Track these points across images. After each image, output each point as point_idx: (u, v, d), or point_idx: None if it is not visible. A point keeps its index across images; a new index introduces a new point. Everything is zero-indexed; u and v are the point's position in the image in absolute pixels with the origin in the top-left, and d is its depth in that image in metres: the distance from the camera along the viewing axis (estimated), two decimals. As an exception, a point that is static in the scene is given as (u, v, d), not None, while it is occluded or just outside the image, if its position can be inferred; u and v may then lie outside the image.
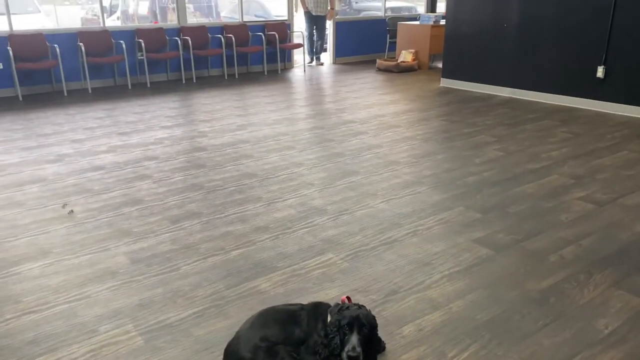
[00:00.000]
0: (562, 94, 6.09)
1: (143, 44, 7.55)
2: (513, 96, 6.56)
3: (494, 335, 2.03)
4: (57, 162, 4.17)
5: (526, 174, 3.77)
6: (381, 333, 2.02)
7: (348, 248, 2.70)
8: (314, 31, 9.35)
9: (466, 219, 3.05)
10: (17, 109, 6.17)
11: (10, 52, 6.64)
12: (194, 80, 8.03)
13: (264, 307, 2.19)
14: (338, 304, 1.81)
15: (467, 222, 3.01)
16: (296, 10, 9.35)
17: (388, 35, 9.92)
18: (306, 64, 9.47)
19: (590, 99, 5.85)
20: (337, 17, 9.77)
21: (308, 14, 9.18)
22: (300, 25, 9.70)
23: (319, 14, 9.12)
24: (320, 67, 9.49)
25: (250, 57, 8.87)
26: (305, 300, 1.90)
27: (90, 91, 7.23)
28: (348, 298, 1.86)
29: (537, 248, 2.70)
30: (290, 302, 2.14)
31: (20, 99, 6.74)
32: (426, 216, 3.09)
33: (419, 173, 3.82)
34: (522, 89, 6.48)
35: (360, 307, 1.77)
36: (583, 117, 5.47)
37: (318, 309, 1.80)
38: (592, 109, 5.82)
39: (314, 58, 9.73)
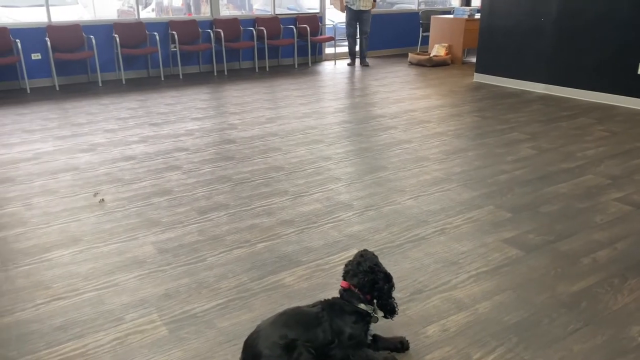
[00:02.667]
0: (600, 90, 5.89)
1: (176, 36, 7.64)
2: (548, 92, 6.39)
3: (521, 338, 1.97)
4: (90, 152, 4.26)
5: (560, 173, 3.67)
6: (405, 332, 1.99)
7: (373, 244, 2.67)
8: (357, 28, 8.51)
9: (496, 218, 2.98)
10: (54, 99, 6.32)
11: (48, 43, 6.81)
12: (226, 73, 8.09)
13: (288, 300, 2.20)
14: (346, 290, 1.83)
15: (496, 221, 2.94)
16: (342, 10, 8.47)
17: (421, 29, 9.79)
18: (346, 65, 8.85)
19: (629, 96, 5.65)
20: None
21: (349, 10, 8.36)
22: (331, 18, 9.64)
23: (360, 8, 8.26)
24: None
25: (281, 50, 8.88)
26: (329, 295, 1.89)
27: (124, 82, 7.36)
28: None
29: (569, 250, 2.62)
30: (314, 300, 2.14)
31: (57, 88, 6.91)
32: (455, 214, 3.03)
33: (449, 170, 3.75)
34: (557, 85, 6.30)
35: (359, 261, 1.84)
36: (621, 115, 5.28)
37: (336, 305, 1.79)
38: (632, 106, 5.62)
39: (357, 59, 8.91)
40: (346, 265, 1.90)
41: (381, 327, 1.97)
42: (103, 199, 3.29)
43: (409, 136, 4.61)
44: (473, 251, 2.61)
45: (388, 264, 2.47)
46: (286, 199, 3.27)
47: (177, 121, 5.21)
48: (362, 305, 1.80)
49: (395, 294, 2.24)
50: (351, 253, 2.59)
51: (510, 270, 2.44)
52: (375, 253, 1.92)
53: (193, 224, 2.95)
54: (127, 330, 2.04)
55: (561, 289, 2.29)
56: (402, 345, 1.89)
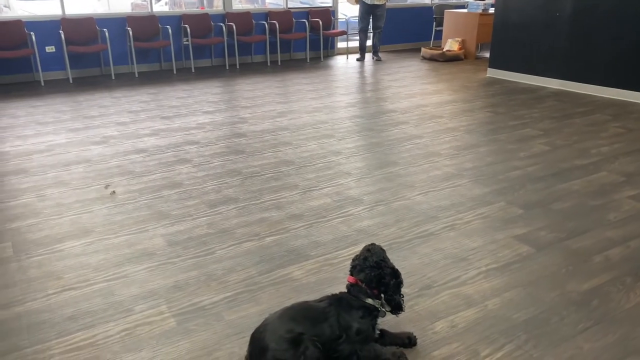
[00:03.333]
0: (616, 86, 5.81)
1: (189, 30, 7.65)
2: (563, 88, 6.31)
3: (530, 336, 1.96)
4: (102, 144, 4.29)
5: (573, 170, 3.62)
6: (413, 328, 1.99)
7: (382, 239, 2.66)
8: (370, 23, 8.39)
9: (507, 214, 2.95)
10: (67, 91, 6.37)
11: (62, 36, 6.85)
12: (237, 67, 8.10)
13: (296, 294, 2.20)
14: (353, 285, 1.83)
15: (508, 217, 2.91)
16: (356, 2, 8.32)
17: (434, 23, 9.71)
18: (355, 60, 8.71)
19: (646, 93, 5.57)
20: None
21: (363, 4, 8.21)
22: (344, 12, 9.59)
23: (374, 2, 8.11)
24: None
25: (293, 44, 8.86)
26: (337, 290, 1.89)
27: (136, 75, 7.39)
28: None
29: (581, 247, 2.59)
30: (322, 294, 2.14)
31: (71, 81, 6.96)
32: (465, 210, 3.01)
33: (460, 165, 3.72)
34: (572, 81, 6.22)
35: (365, 256, 1.84)
36: (637, 112, 5.20)
37: (343, 300, 1.79)
38: (648, 103, 5.54)
39: (368, 54, 8.86)
40: (353, 260, 1.89)
41: (389, 322, 1.97)
42: (114, 191, 3.31)
43: (420, 131, 4.58)
44: (483, 247, 2.59)
45: (397, 259, 2.47)
46: (296, 193, 3.26)
47: (188, 114, 5.23)
48: (369, 300, 1.79)
49: (404, 289, 2.22)
50: (360, 248, 2.57)
51: (521, 267, 2.42)
52: (385, 248, 1.91)
53: (203, 217, 2.96)
54: (136, 322, 2.05)
55: (572, 286, 2.27)
56: (409, 341, 1.89)
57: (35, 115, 5.21)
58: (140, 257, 2.53)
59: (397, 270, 1.84)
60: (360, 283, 1.81)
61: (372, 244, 1.91)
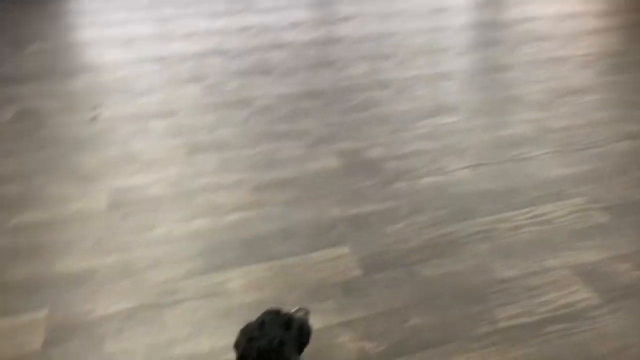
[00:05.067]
0: None
1: None
2: None
3: None
4: (124, 46, 3.76)
5: None
6: None
7: (376, 244, 1.89)
8: None
9: (581, 221, 2.00)
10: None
11: None
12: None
13: (215, 324, 1.55)
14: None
15: (580, 227, 1.96)
16: None
17: None
18: None
19: None
20: None
21: None
22: None
23: None
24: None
25: None
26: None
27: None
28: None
29: (681, 307, 1.63)
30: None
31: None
32: (520, 205, 2.09)
33: (544, 123, 2.68)
34: None
35: (253, 335, 1.15)
36: None
37: None
38: None
39: None
40: (241, 333, 1.20)
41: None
42: (95, 117, 2.81)
43: (510, 60, 3.44)
44: (519, 280, 1.73)
45: (376, 291, 1.71)
46: (303, 145, 2.52)
47: (242, 11, 4.47)
48: None
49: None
50: (339, 252, 1.85)
51: (565, 333, 1.55)
52: (368, 260, 1.20)
53: (171, 164, 2.36)
54: None
55: (638, 389, 1.40)
56: None
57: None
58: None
59: None
60: (235, 379, 1.14)
61: (275, 310, 1.19)
